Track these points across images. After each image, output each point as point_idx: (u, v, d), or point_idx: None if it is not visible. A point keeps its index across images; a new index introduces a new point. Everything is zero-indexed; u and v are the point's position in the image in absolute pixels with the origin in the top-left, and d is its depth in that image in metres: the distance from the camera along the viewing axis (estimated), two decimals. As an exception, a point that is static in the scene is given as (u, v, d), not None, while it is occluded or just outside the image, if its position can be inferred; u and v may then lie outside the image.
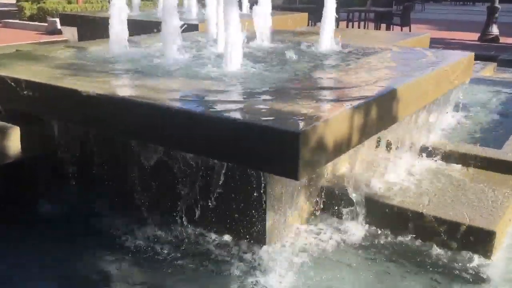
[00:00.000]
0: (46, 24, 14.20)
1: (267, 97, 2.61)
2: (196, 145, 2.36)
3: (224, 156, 2.35)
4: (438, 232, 2.65)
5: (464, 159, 3.35)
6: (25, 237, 2.79)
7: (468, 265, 2.52)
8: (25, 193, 3.04)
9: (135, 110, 2.50)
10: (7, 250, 2.69)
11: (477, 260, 2.54)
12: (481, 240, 2.56)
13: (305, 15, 8.19)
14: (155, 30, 5.19)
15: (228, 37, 3.12)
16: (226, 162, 2.47)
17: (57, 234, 2.81)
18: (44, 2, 16.39)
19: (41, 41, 11.05)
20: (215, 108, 2.39)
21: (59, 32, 10.16)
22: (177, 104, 2.47)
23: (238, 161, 2.33)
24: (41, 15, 15.39)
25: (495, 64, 7.10)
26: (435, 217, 2.67)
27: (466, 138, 3.91)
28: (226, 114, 2.30)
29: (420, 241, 2.69)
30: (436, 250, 2.62)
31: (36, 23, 15.12)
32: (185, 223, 2.74)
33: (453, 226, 2.62)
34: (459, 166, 3.33)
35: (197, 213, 2.71)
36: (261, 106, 2.40)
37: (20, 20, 16.16)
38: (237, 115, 2.28)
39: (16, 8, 17.71)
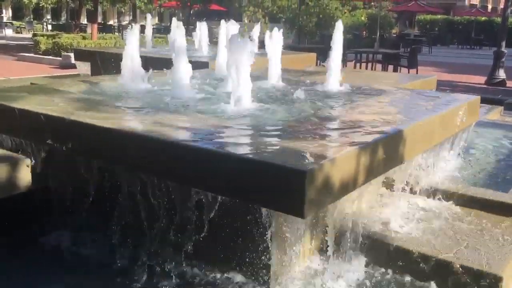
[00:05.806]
0: (60, 59, 14.54)
1: (274, 135, 2.64)
2: (201, 181, 2.38)
3: (231, 193, 2.36)
4: (442, 276, 2.61)
5: (471, 202, 3.33)
6: (32, 267, 2.79)
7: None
8: (35, 223, 3.06)
9: (144, 144, 2.54)
10: (13, 279, 2.70)
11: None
12: (488, 285, 2.52)
13: (314, 55, 8.34)
14: (154, 67, 5.24)
15: (237, 75, 3.18)
16: (232, 198, 2.48)
17: (63, 264, 2.83)
18: (59, 37, 16.85)
19: (55, 74, 11.29)
20: (221, 145, 2.43)
21: (73, 66, 10.40)
22: (184, 140, 2.51)
23: (244, 198, 2.33)
24: (55, 50, 15.78)
25: (501, 107, 7.16)
26: (440, 260, 2.64)
27: (472, 180, 3.91)
28: (233, 151, 2.33)
29: (422, 283, 2.65)
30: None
31: (50, 57, 15.49)
32: (189, 258, 2.73)
33: (458, 270, 2.58)
34: (465, 209, 3.31)
35: (201, 249, 2.71)
36: (268, 145, 2.43)
37: (35, 54, 16.58)
38: (244, 153, 2.31)
39: (32, 42, 18.21)
